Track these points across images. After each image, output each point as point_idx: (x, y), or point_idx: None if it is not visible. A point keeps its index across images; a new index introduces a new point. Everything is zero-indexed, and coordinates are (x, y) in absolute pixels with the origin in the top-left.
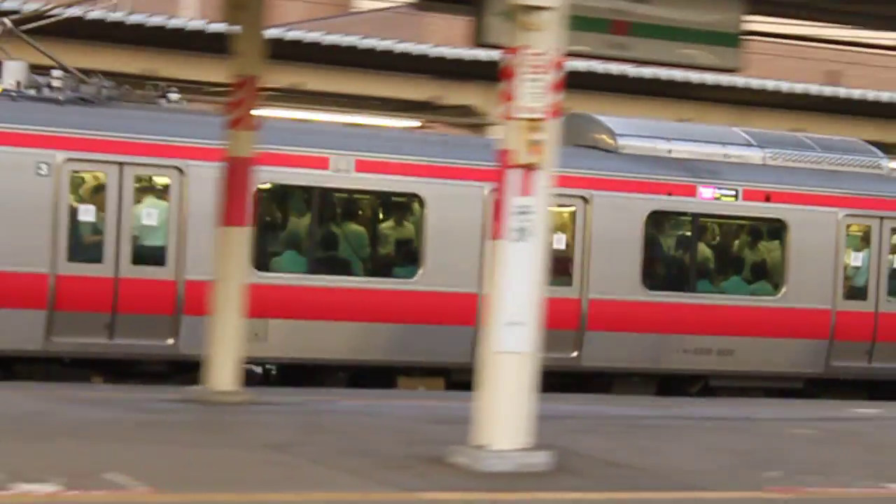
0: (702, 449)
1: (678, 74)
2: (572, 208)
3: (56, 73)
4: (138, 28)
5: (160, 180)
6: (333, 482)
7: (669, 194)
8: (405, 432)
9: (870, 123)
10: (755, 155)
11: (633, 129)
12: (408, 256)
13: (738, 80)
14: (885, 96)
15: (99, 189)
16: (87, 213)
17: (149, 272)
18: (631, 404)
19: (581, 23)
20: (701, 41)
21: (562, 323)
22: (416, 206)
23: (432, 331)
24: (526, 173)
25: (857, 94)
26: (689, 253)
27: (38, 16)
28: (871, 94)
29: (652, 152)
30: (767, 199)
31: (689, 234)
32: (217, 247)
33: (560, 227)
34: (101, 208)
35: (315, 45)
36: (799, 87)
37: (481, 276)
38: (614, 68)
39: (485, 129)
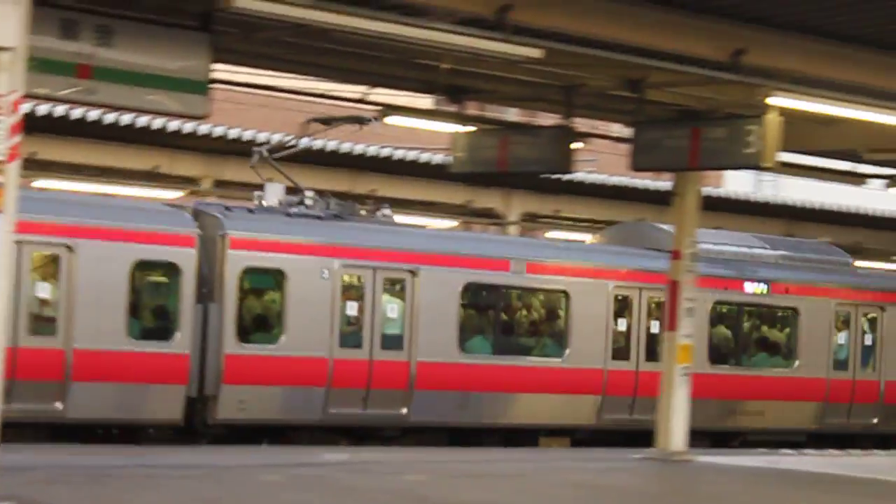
0: (169, 499)
1: (158, 121)
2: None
3: (308, 193)
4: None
5: (399, 281)
6: None
7: None
8: None
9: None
10: None
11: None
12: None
13: (216, 129)
14: (357, 148)
15: (359, 289)
16: (352, 308)
17: (391, 354)
18: (101, 453)
19: (46, 65)
20: (168, 87)
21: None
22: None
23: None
24: None
25: (331, 145)
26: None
27: (282, 146)
28: (344, 147)
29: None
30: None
31: None
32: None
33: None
34: (361, 304)
35: None
36: (276, 137)
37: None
38: (76, 112)
39: None
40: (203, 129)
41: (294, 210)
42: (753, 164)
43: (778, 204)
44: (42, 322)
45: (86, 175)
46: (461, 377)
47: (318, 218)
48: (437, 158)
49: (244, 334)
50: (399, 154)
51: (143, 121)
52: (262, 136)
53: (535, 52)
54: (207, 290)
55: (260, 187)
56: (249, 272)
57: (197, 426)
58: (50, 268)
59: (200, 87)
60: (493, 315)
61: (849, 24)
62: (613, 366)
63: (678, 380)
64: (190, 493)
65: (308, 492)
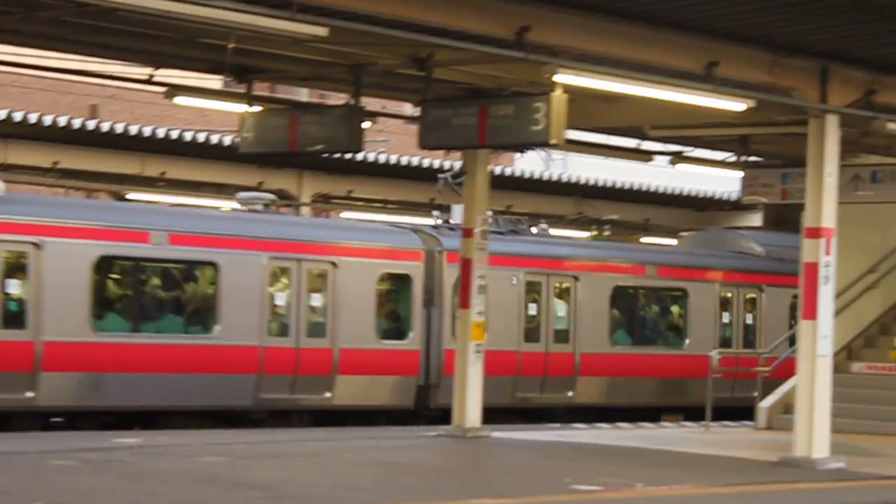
0: None
1: None
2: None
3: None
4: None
5: (566, 285)
6: None
7: None
8: None
9: (130, 156)
10: None
11: None
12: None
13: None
14: (145, 130)
15: (538, 291)
16: (532, 309)
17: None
18: None
19: None
20: None
21: None
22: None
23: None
24: None
25: (119, 127)
26: None
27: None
28: (132, 129)
29: None
30: None
31: None
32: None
33: None
34: (539, 304)
35: None
36: (62, 120)
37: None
38: None
39: None
40: None
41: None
42: (541, 142)
43: (568, 182)
44: (314, 326)
45: None
46: None
47: (500, 233)
48: (228, 140)
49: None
50: (188, 136)
51: None
52: (47, 119)
53: (320, 31)
54: (429, 296)
55: None
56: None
57: (420, 410)
58: (320, 281)
59: None
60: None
61: (629, 1)
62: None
63: (472, 356)
64: None
65: (101, 476)
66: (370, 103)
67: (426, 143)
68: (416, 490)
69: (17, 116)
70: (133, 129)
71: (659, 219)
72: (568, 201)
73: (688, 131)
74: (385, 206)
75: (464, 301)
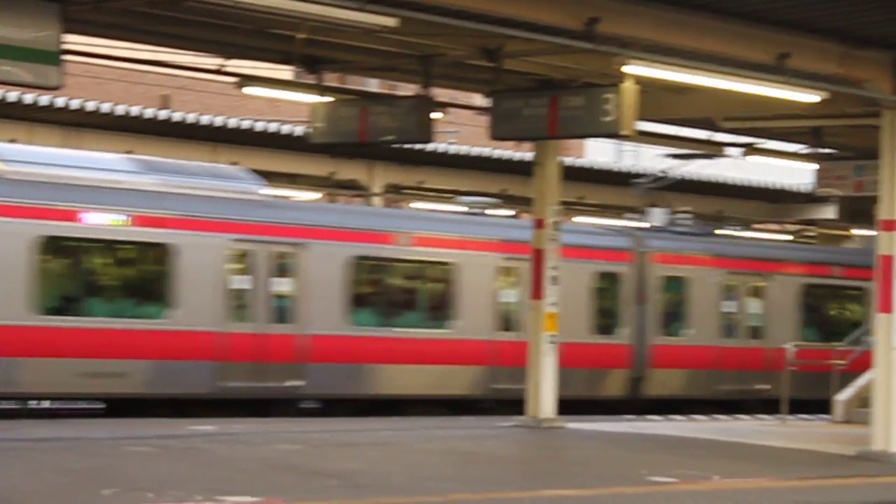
0: (31, 470)
1: (13, 94)
2: None
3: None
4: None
5: (759, 283)
6: None
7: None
8: None
9: (201, 146)
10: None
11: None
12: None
13: (72, 102)
14: (217, 121)
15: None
16: (729, 307)
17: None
18: None
19: None
20: (19, 58)
21: None
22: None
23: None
24: None
25: (190, 117)
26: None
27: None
28: (204, 119)
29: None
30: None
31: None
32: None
33: None
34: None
35: None
36: (134, 110)
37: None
38: None
39: None
40: (60, 101)
41: (677, 228)
42: (611, 133)
43: (640, 174)
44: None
45: None
46: None
47: (695, 234)
48: (299, 130)
49: (663, 328)
50: (260, 126)
51: None
52: (120, 109)
53: (390, 21)
54: (636, 294)
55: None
56: (665, 279)
57: (633, 400)
58: (514, 278)
59: (52, 57)
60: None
61: None
62: None
63: (545, 347)
64: (59, 464)
65: (178, 462)
66: (440, 94)
67: (497, 134)
68: (494, 480)
69: (91, 106)
70: (204, 120)
71: (731, 211)
72: (639, 193)
73: (759, 123)
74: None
75: (536, 292)
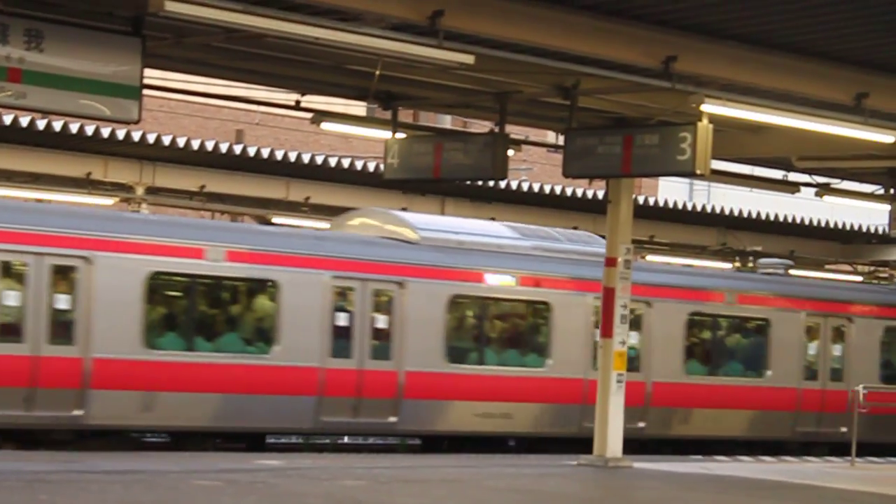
0: (97, 502)
1: (90, 127)
2: None
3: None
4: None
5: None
6: None
7: None
8: None
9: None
10: None
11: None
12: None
13: (149, 136)
14: (291, 155)
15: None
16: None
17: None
18: (36, 459)
19: None
20: (99, 92)
21: None
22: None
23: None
24: None
25: (264, 152)
26: None
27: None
28: (278, 153)
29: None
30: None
31: None
32: None
33: None
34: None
35: None
36: (209, 144)
37: None
38: (7, 118)
39: None
40: (136, 135)
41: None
42: (687, 172)
43: (712, 213)
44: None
45: (18, 182)
46: None
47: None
48: (371, 166)
49: None
50: (333, 161)
51: (75, 126)
52: (194, 143)
53: (467, 58)
54: None
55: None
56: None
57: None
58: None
59: (132, 91)
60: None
61: (777, 31)
62: None
63: (614, 386)
64: (126, 497)
65: (245, 496)
66: (513, 131)
67: (570, 172)
68: None
69: (166, 140)
70: (279, 154)
71: (803, 251)
72: (711, 232)
73: (835, 163)
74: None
75: (606, 330)
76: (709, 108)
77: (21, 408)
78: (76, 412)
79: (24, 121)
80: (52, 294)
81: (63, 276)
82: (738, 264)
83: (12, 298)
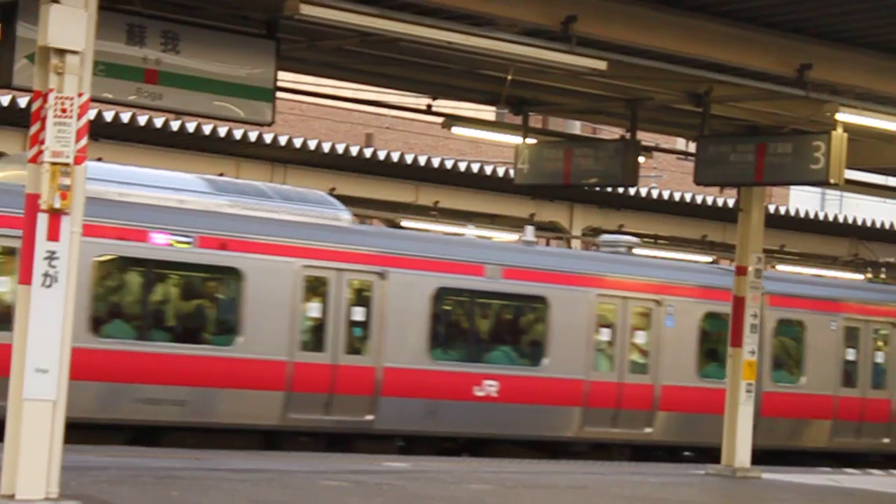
0: (226, 499)
1: (223, 129)
2: None
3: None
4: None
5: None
6: None
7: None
8: None
9: (404, 185)
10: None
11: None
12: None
13: (280, 138)
14: (420, 159)
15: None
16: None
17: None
18: (166, 456)
19: (112, 70)
20: (233, 94)
21: None
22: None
23: None
24: (53, 218)
25: (394, 156)
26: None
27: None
28: (408, 157)
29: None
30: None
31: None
32: None
33: None
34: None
35: None
36: (339, 147)
37: None
38: (141, 119)
39: None
40: (268, 137)
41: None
42: (820, 181)
43: (844, 223)
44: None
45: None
46: None
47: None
48: (500, 171)
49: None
50: (462, 166)
51: (207, 128)
52: (325, 146)
53: (599, 64)
54: None
55: None
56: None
57: None
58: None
59: (266, 94)
60: None
61: None
62: None
63: (743, 396)
64: (255, 495)
65: (372, 498)
66: (643, 138)
67: (702, 180)
68: None
69: (297, 143)
70: (408, 158)
71: None
72: (842, 242)
73: None
74: (656, 241)
75: (736, 340)
76: (844, 116)
77: (321, 412)
78: (368, 417)
79: (158, 122)
80: (349, 307)
81: (360, 290)
82: (869, 275)
83: (314, 310)
